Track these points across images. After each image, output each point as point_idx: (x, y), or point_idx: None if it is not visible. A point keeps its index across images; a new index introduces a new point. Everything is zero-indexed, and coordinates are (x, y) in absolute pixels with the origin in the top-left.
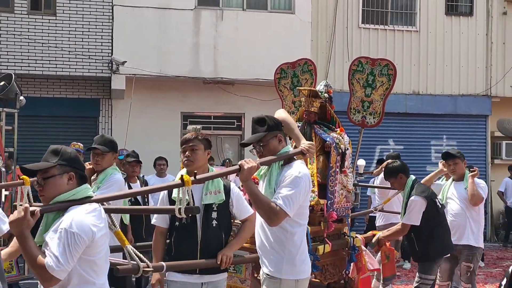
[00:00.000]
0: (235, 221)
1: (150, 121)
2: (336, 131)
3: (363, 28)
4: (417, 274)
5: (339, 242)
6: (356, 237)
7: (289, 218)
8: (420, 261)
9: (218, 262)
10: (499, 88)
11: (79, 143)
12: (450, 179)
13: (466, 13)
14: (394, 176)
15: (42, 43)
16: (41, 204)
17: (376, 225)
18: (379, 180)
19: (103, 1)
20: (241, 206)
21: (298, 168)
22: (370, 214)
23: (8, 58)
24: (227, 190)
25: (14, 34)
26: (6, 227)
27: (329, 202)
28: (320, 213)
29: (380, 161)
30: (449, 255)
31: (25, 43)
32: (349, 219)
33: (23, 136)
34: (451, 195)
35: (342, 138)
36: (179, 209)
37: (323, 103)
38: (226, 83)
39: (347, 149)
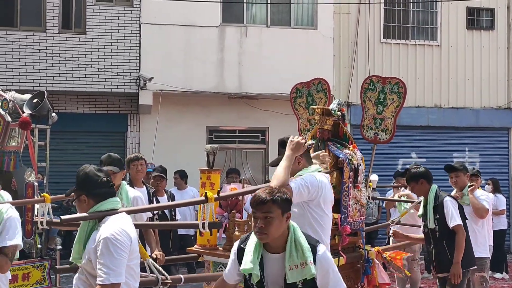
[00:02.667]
0: None
1: (177, 136)
2: (349, 147)
3: (385, 43)
4: None
5: (353, 255)
6: (370, 250)
7: (310, 224)
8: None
9: None
10: None
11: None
12: (453, 192)
13: (487, 27)
14: (415, 181)
15: (73, 60)
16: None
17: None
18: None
19: (131, 20)
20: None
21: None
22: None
23: (40, 76)
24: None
25: (46, 52)
26: (11, 243)
27: (343, 216)
28: (334, 227)
29: (397, 174)
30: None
31: (56, 61)
32: (363, 232)
33: (54, 151)
34: None
35: (355, 154)
36: (203, 224)
37: (336, 121)
38: (250, 98)
39: (360, 164)
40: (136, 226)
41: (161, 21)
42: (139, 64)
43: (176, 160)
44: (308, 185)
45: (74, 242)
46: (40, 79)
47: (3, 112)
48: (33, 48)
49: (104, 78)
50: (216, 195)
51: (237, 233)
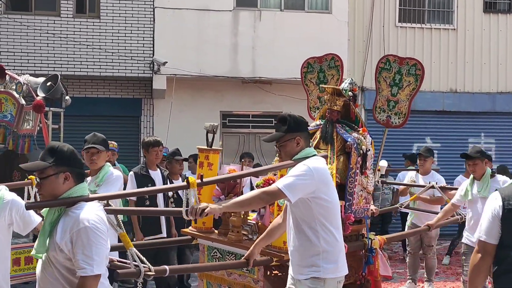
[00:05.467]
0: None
1: (190, 120)
2: (359, 131)
3: (400, 27)
4: None
5: (356, 244)
6: (374, 239)
7: (317, 219)
8: None
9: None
10: None
11: (113, 142)
12: (471, 178)
13: (504, 11)
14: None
15: (87, 45)
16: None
17: (407, 224)
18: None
19: (144, 4)
20: None
21: (307, 161)
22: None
23: (55, 60)
24: None
25: (61, 37)
26: (38, 219)
27: (347, 203)
28: None
29: (408, 157)
30: None
31: (70, 45)
32: (368, 220)
33: (68, 134)
34: (476, 194)
35: (364, 138)
36: (186, 211)
37: (347, 102)
38: (264, 82)
39: (369, 150)
40: (114, 211)
41: (175, 5)
42: (153, 49)
43: (190, 144)
44: (302, 178)
45: (39, 234)
46: (54, 64)
47: (17, 95)
48: (47, 33)
49: (118, 62)
50: (199, 180)
51: (233, 218)
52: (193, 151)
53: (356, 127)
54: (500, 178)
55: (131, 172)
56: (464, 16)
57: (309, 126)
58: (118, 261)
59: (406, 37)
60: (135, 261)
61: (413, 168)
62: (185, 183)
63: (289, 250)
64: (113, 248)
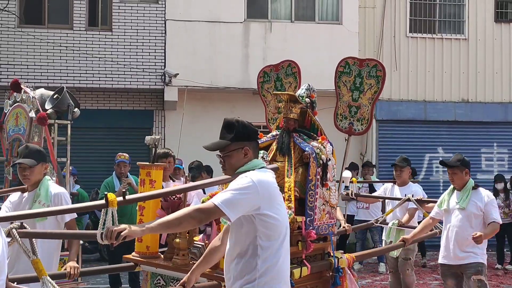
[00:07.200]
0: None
1: (201, 131)
2: (318, 139)
3: (411, 37)
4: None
5: (322, 264)
6: (341, 257)
7: (260, 238)
8: None
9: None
10: None
11: (124, 154)
12: (450, 187)
13: None
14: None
15: (99, 57)
16: None
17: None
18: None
19: (156, 16)
20: None
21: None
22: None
23: (67, 73)
24: None
25: (73, 50)
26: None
27: (308, 219)
28: (297, 231)
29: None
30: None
31: (83, 58)
32: (334, 237)
33: (80, 147)
34: (454, 205)
35: (324, 147)
36: (101, 234)
37: (304, 109)
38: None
39: (329, 159)
40: (30, 234)
41: (186, 18)
42: (164, 61)
43: (201, 156)
44: (243, 192)
45: None
46: (67, 76)
47: (28, 109)
48: (60, 46)
49: (130, 74)
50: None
51: (177, 240)
52: (205, 163)
53: (314, 135)
54: (483, 191)
55: None
56: (475, 25)
57: (265, 137)
58: None
59: (417, 48)
60: None
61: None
62: (103, 201)
63: (225, 272)
64: (28, 279)
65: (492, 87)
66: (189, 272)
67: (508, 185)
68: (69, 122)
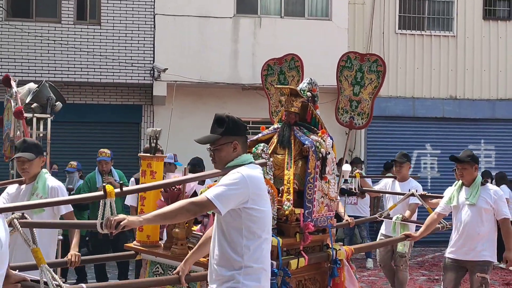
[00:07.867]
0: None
1: (191, 127)
2: (318, 133)
3: (400, 33)
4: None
5: (319, 255)
6: (339, 249)
7: (245, 230)
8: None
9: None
10: None
11: (106, 150)
12: (459, 183)
13: (504, 18)
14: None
15: (87, 51)
16: None
17: (381, 232)
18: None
19: (145, 11)
20: None
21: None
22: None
23: (55, 66)
24: None
25: (61, 43)
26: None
27: (306, 211)
28: (295, 223)
29: (386, 166)
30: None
31: (71, 52)
32: (333, 229)
33: (69, 141)
34: (463, 201)
35: (324, 141)
36: (101, 223)
37: (305, 103)
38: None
39: (329, 153)
40: (30, 224)
41: (175, 12)
42: (153, 55)
43: (190, 151)
44: (234, 187)
45: None
46: (55, 70)
47: (13, 103)
48: (48, 39)
49: (119, 69)
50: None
51: (176, 230)
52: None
53: (315, 129)
54: (491, 187)
55: (132, 179)
56: (464, 23)
57: (266, 130)
58: (31, 280)
59: (406, 44)
60: (45, 279)
61: (392, 175)
62: (101, 192)
63: (210, 261)
64: (27, 267)
65: (480, 84)
66: (182, 262)
67: (494, 182)
68: (48, 116)
